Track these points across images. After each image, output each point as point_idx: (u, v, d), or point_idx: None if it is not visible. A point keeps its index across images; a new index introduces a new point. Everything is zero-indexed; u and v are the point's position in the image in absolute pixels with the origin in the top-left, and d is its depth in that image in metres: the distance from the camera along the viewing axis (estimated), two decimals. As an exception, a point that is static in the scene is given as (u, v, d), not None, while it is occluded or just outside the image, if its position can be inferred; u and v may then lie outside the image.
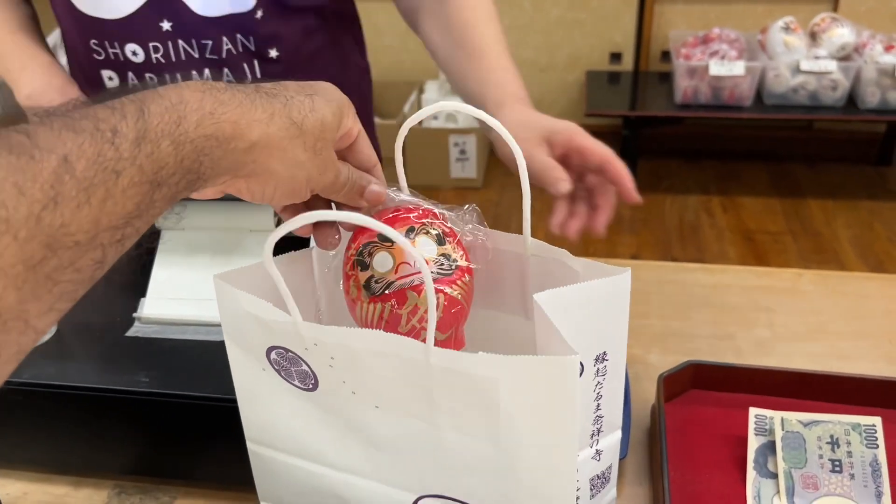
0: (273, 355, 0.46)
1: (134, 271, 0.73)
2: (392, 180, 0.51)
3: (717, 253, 2.46)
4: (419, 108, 2.93)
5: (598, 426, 0.47)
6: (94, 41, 0.94)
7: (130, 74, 0.95)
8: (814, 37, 2.64)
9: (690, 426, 0.70)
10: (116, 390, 0.62)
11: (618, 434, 0.50)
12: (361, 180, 0.47)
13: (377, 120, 3.00)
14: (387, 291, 0.43)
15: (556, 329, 0.38)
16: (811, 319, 0.87)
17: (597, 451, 0.48)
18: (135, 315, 0.69)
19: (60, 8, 0.92)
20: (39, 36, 0.98)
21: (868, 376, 0.72)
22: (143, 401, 0.62)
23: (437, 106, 0.45)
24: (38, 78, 0.93)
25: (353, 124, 0.45)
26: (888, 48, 2.56)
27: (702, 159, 3.00)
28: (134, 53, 0.93)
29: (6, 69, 0.95)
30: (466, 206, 0.50)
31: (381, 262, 0.44)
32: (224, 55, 0.94)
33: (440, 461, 0.44)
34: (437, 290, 0.43)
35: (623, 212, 2.70)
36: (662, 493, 0.59)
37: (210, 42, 0.93)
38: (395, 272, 0.43)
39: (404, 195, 0.48)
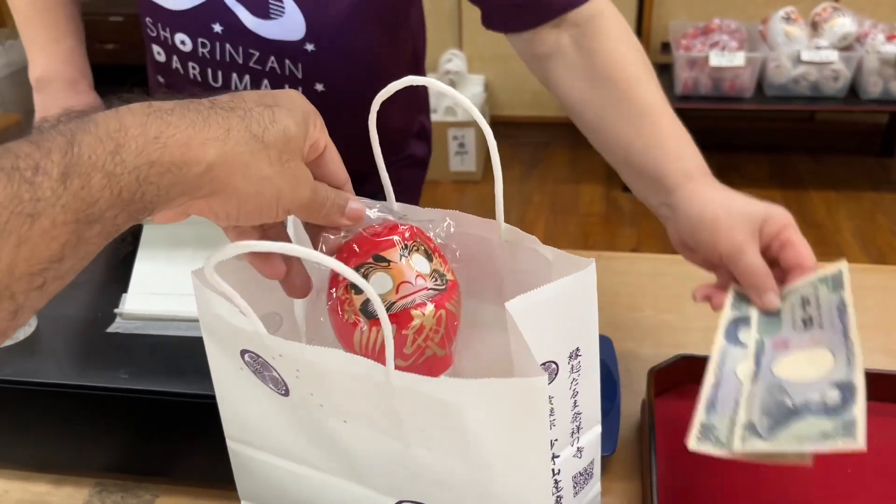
0: (246, 357, 0.45)
1: (115, 266, 0.72)
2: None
3: (718, 245, 2.44)
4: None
5: (578, 423, 0.46)
6: (149, 19, 0.95)
7: (175, 57, 0.96)
8: (815, 27, 2.61)
9: (681, 421, 0.69)
10: (97, 387, 0.61)
11: (597, 429, 0.49)
12: (339, 199, 0.43)
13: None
14: (389, 313, 0.42)
15: (527, 345, 0.37)
16: (807, 312, 0.86)
17: (578, 448, 0.47)
18: (116, 311, 0.68)
19: None
20: (72, 17, 0.98)
21: (868, 370, 0.71)
22: (123, 398, 0.61)
23: (407, 80, 0.43)
24: (52, 65, 0.94)
25: (319, 135, 0.42)
26: (890, 38, 2.54)
27: (703, 150, 2.98)
28: (182, 43, 0.94)
29: (28, 43, 0.95)
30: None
31: (380, 283, 0.42)
32: (267, 69, 0.94)
33: (413, 473, 0.43)
34: (438, 307, 0.42)
35: (623, 203, 2.68)
36: (650, 489, 0.58)
37: (257, 53, 0.93)
38: (396, 292, 0.42)
39: (377, 211, 0.46)
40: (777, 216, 0.62)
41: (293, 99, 0.41)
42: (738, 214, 0.62)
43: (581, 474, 0.49)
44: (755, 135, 3.01)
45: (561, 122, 3.04)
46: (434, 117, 2.87)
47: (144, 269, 0.70)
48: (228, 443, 0.54)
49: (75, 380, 0.62)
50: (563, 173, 2.91)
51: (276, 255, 0.43)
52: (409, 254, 0.43)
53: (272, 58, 0.93)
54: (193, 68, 0.95)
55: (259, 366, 0.44)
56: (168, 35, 0.94)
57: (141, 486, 0.65)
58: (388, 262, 0.42)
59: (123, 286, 0.69)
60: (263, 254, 0.42)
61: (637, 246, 2.47)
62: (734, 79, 2.60)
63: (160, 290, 0.69)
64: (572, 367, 0.43)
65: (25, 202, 0.29)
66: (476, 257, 0.47)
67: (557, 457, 0.46)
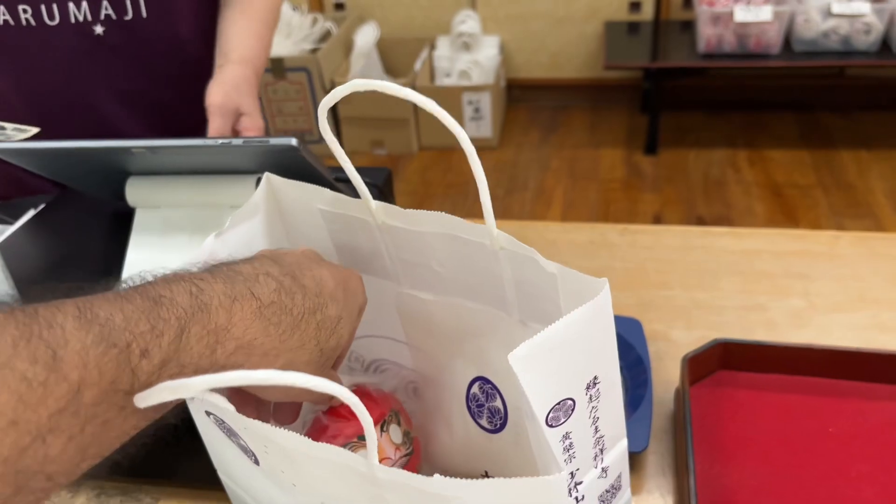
0: (212, 417, 0.41)
1: (108, 252, 0.67)
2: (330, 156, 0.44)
3: (744, 209, 2.36)
4: (431, 65, 2.84)
5: (601, 446, 0.41)
6: None
7: (2, 8, 0.88)
8: None
9: (719, 411, 0.64)
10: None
11: (623, 443, 0.43)
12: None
13: (387, 79, 2.92)
14: None
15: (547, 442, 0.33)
16: (851, 286, 0.80)
17: (602, 469, 0.42)
18: (109, 302, 0.64)
19: None
20: None
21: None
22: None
23: (352, 85, 0.37)
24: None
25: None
26: (926, -13, 2.41)
27: (727, 111, 2.88)
28: None
29: None
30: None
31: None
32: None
33: None
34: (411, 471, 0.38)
35: (645, 168, 2.61)
36: (688, 489, 0.53)
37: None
38: None
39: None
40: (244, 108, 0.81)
41: (356, 295, 0.43)
42: (229, 87, 0.80)
43: (608, 491, 0.44)
44: (782, 92, 2.90)
45: (579, 85, 2.94)
46: (447, 81, 2.79)
47: (137, 256, 0.65)
48: (219, 474, 0.51)
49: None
50: (582, 137, 2.83)
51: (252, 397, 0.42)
52: (386, 427, 0.45)
53: None
54: (24, 11, 0.87)
55: (226, 430, 0.40)
56: None
57: (142, 490, 0.62)
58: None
59: (116, 274, 0.65)
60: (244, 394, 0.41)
61: (660, 211, 2.40)
62: (760, 35, 2.49)
63: (155, 280, 0.64)
64: (590, 397, 0.38)
65: (120, 390, 0.29)
66: (474, 263, 0.42)
67: (580, 483, 0.41)
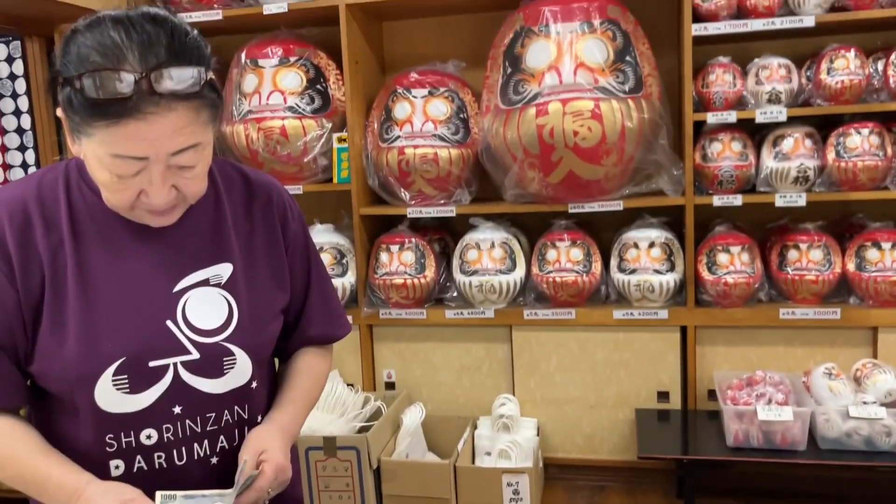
0: None
1: None
2: None
3: None
4: (472, 444, 3.00)
5: None
6: (110, 435, 1.08)
7: (139, 457, 1.08)
8: (858, 381, 2.71)
9: None
10: None
11: None
12: None
13: (430, 455, 3.04)
14: None
15: None
16: None
17: None
18: None
19: (84, 413, 1.05)
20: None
21: None
22: None
23: None
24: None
25: None
26: (935, 395, 2.60)
27: (760, 498, 2.93)
28: (148, 437, 1.07)
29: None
30: None
31: None
32: (222, 425, 1.11)
33: None
34: None
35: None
36: None
37: (213, 414, 1.10)
38: None
39: None
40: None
41: None
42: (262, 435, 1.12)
43: None
44: (813, 482, 2.97)
45: (616, 466, 3.05)
46: (487, 460, 2.92)
47: None
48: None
49: None
50: (619, 520, 2.86)
51: None
52: None
53: (225, 411, 1.11)
54: (159, 457, 1.07)
55: None
56: (132, 438, 1.06)
57: None
58: None
59: None
60: None
61: None
62: (785, 431, 2.65)
63: None
64: None
65: None
66: None
67: None
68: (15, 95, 2.98)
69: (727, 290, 2.87)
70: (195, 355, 1.04)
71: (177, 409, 1.06)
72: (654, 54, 2.89)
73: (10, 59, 2.97)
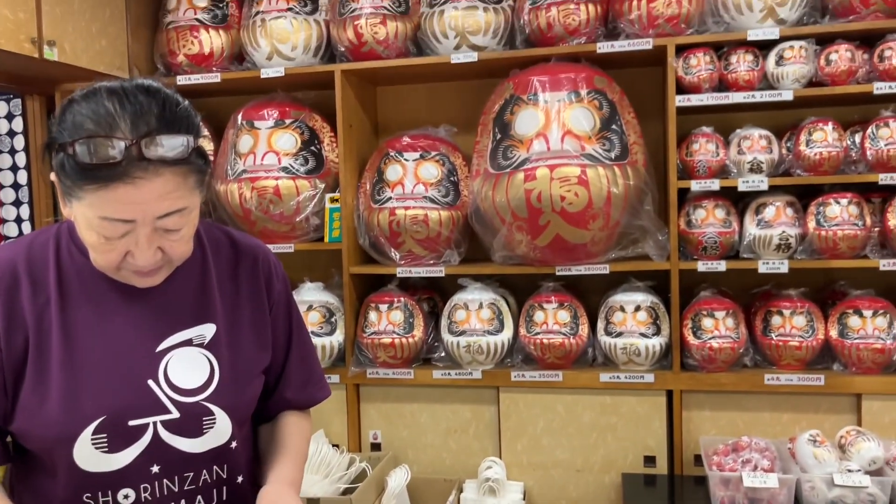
0: None
1: None
2: None
3: None
4: (457, 508, 2.96)
5: None
6: (87, 494, 1.08)
7: None
8: (842, 449, 2.71)
9: None
10: None
11: None
12: None
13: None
14: None
15: None
16: None
17: None
18: None
19: (62, 471, 1.06)
20: None
21: None
22: None
23: None
24: None
25: None
26: (919, 465, 2.60)
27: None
28: (126, 497, 1.08)
29: None
30: None
31: None
32: (200, 484, 1.11)
33: None
34: None
35: None
36: None
37: (192, 474, 1.11)
38: None
39: None
40: None
41: None
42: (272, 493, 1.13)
43: None
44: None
45: (601, 532, 3.02)
46: (473, 524, 2.88)
47: None
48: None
49: None
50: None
51: None
52: None
53: (204, 471, 1.11)
54: None
55: None
56: (110, 497, 1.07)
57: None
58: None
59: None
60: None
61: None
62: (771, 499, 2.63)
63: None
64: None
65: None
66: None
67: None
68: (13, 151, 3.04)
69: (712, 354, 2.90)
70: (175, 414, 1.06)
71: (155, 469, 1.07)
72: (640, 123, 2.98)
73: (10, 117, 3.03)
